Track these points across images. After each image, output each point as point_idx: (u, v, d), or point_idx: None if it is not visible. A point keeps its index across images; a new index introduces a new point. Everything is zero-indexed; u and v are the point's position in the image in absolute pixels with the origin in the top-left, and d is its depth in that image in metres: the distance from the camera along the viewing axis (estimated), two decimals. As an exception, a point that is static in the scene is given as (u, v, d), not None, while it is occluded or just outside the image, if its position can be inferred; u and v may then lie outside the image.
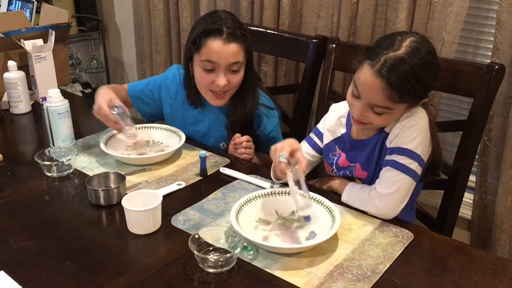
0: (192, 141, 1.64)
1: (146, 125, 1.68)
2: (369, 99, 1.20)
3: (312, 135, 1.46)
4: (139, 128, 1.66)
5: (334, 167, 1.38)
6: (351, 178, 1.37)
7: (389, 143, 1.25)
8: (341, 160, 1.36)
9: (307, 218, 1.22)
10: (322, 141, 1.43)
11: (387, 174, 1.23)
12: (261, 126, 1.63)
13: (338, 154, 1.38)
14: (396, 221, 1.23)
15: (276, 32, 1.99)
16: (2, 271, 1.05)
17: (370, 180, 1.31)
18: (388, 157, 1.24)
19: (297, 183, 1.19)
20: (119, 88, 1.74)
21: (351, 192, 1.29)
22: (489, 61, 1.63)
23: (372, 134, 1.30)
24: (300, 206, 1.21)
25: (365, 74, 1.18)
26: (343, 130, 1.37)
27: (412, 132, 1.21)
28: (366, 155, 1.30)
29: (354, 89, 1.23)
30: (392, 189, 1.21)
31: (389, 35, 1.24)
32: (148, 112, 1.77)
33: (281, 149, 1.21)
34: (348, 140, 1.35)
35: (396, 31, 1.39)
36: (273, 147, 1.25)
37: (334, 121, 1.39)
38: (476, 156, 1.69)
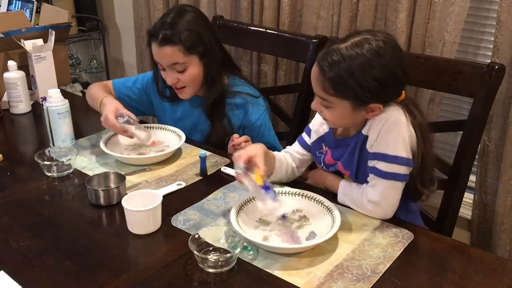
0: (192, 141, 1.64)
1: (146, 125, 1.68)
2: (314, 89, 1.23)
3: (303, 133, 1.45)
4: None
5: (322, 164, 1.38)
6: (340, 174, 1.37)
7: (370, 147, 1.23)
8: (327, 157, 1.36)
9: (284, 217, 1.23)
10: (309, 136, 1.42)
11: (374, 183, 1.22)
12: (248, 115, 1.65)
13: (325, 151, 1.37)
14: (396, 221, 1.23)
15: (276, 32, 1.99)
16: (2, 271, 1.05)
17: (354, 177, 1.30)
18: (371, 163, 1.22)
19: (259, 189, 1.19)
20: (105, 87, 1.75)
21: (345, 194, 1.29)
22: (490, 61, 1.63)
23: (352, 134, 1.30)
24: (270, 210, 1.20)
25: (313, 68, 1.22)
26: (326, 129, 1.37)
27: (389, 136, 1.19)
28: (347, 154, 1.30)
29: None
30: (382, 196, 1.21)
31: (353, 31, 1.25)
32: (137, 107, 1.78)
33: (238, 159, 1.21)
34: (331, 139, 1.35)
35: (366, 29, 1.38)
36: (234, 156, 1.24)
37: (319, 119, 1.39)
38: (476, 156, 1.69)
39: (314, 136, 1.40)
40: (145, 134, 1.55)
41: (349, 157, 1.29)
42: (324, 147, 1.38)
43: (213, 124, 1.66)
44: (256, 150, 1.23)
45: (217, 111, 1.65)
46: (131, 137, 1.55)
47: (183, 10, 1.58)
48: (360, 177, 1.29)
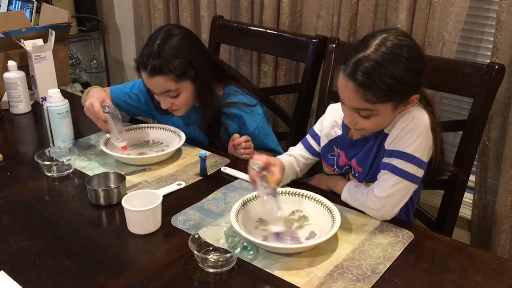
0: (192, 141, 1.64)
1: (146, 125, 1.68)
2: (349, 104, 1.20)
3: (308, 136, 1.45)
4: (139, 128, 1.66)
5: (335, 166, 1.38)
6: (347, 174, 1.37)
7: (388, 145, 1.24)
8: (341, 159, 1.36)
9: (277, 236, 1.17)
10: (318, 143, 1.42)
11: (385, 178, 1.22)
12: (245, 125, 1.63)
13: (337, 153, 1.37)
14: (396, 221, 1.23)
15: (276, 32, 1.99)
16: (2, 271, 1.05)
17: (365, 176, 1.30)
18: (386, 160, 1.23)
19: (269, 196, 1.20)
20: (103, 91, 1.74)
21: (349, 193, 1.29)
22: (489, 61, 1.63)
23: (369, 134, 1.30)
24: (271, 221, 1.20)
25: (340, 80, 1.20)
26: (339, 132, 1.37)
27: (411, 135, 1.20)
28: (363, 152, 1.30)
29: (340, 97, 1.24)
30: (389, 192, 1.20)
31: (364, 36, 1.23)
32: (134, 113, 1.78)
33: (258, 159, 1.21)
34: (345, 141, 1.35)
35: (374, 30, 1.37)
36: (254, 156, 1.24)
37: (330, 123, 1.39)
38: (476, 156, 1.69)
39: (325, 140, 1.39)
40: (122, 135, 1.54)
41: (365, 155, 1.29)
42: (336, 149, 1.38)
43: (210, 136, 1.65)
44: (277, 161, 1.26)
45: (212, 127, 1.63)
46: (108, 131, 1.54)
47: (169, 35, 1.52)
48: (370, 176, 1.28)
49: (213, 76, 1.62)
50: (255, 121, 1.63)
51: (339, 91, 1.22)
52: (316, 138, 1.43)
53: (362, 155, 1.30)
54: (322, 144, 1.40)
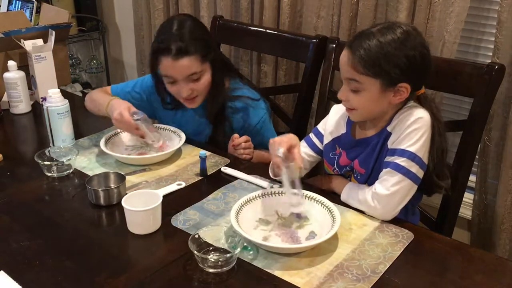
0: (192, 141, 1.64)
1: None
2: (343, 74, 1.25)
3: (311, 135, 1.46)
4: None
5: (335, 165, 1.38)
6: (348, 177, 1.37)
7: (391, 144, 1.24)
8: (342, 159, 1.36)
9: (298, 216, 1.23)
10: (321, 142, 1.43)
11: (387, 176, 1.22)
12: (248, 119, 1.64)
13: (338, 153, 1.38)
14: (396, 221, 1.23)
15: (276, 32, 1.99)
16: (2, 271, 1.05)
17: (367, 177, 1.31)
18: (389, 158, 1.23)
19: (292, 180, 1.20)
20: (105, 91, 1.73)
21: (350, 192, 1.30)
22: (490, 61, 1.62)
23: (374, 133, 1.30)
24: (292, 203, 1.22)
25: (342, 54, 1.25)
26: (343, 130, 1.37)
27: (415, 134, 1.21)
28: (366, 152, 1.30)
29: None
30: (391, 191, 1.21)
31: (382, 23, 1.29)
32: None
33: (279, 144, 1.21)
34: (348, 140, 1.35)
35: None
36: (271, 141, 1.25)
37: (334, 122, 1.40)
38: (476, 156, 1.69)
39: (328, 138, 1.40)
40: (157, 135, 1.55)
41: (367, 156, 1.30)
42: (338, 148, 1.38)
43: (215, 128, 1.66)
44: (295, 140, 1.25)
45: (219, 115, 1.64)
46: (143, 136, 1.54)
47: (182, 20, 1.54)
48: (372, 178, 1.28)
49: (223, 65, 1.64)
50: (258, 115, 1.64)
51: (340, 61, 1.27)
52: (319, 136, 1.43)
53: (365, 156, 1.30)
54: (325, 142, 1.41)
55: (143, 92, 1.72)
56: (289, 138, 1.24)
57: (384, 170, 1.24)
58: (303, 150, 1.44)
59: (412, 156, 1.20)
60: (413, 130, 1.21)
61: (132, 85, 1.74)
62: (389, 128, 1.26)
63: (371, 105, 1.25)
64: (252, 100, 1.64)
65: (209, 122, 1.66)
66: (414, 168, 1.21)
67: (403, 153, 1.21)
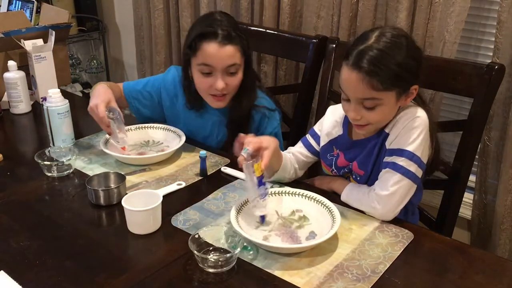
0: (192, 141, 1.64)
1: (146, 125, 1.68)
2: (355, 95, 1.21)
3: (308, 135, 1.45)
4: (139, 128, 1.66)
5: (333, 167, 1.38)
6: (347, 178, 1.37)
7: (389, 144, 1.24)
8: (340, 160, 1.36)
9: (262, 219, 1.21)
10: (317, 143, 1.42)
11: (387, 176, 1.22)
12: (262, 128, 1.62)
13: (336, 154, 1.38)
14: (396, 221, 1.23)
15: (276, 32, 1.99)
16: (2, 271, 1.05)
17: (366, 179, 1.30)
18: (387, 159, 1.23)
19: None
20: (114, 87, 1.70)
21: (351, 192, 1.30)
22: (490, 61, 1.63)
23: (371, 135, 1.30)
24: (255, 205, 1.20)
25: (344, 73, 1.22)
26: (340, 132, 1.37)
27: (413, 133, 1.21)
28: (364, 154, 1.30)
29: (343, 93, 1.25)
30: (391, 190, 1.20)
31: (361, 33, 1.26)
32: (145, 115, 1.72)
33: (248, 144, 1.20)
34: (346, 141, 1.35)
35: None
36: (242, 136, 1.24)
37: (330, 123, 1.39)
38: (476, 156, 1.69)
39: (325, 139, 1.39)
40: (122, 137, 1.53)
41: (366, 158, 1.29)
42: (335, 149, 1.38)
43: (232, 133, 1.58)
44: (269, 143, 1.24)
45: (239, 120, 1.58)
46: (110, 134, 1.51)
47: (224, 13, 1.51)
48: (372, 179, 1.28)
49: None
50: (272, 126, 1.62)
51: (342, 85, 1.23)
52: (316, 137, 1.43)
53: (363, 157, 1.30)
54: (322, 143, 1.40)
55: (154, 91, 1.69)
56: (261, 139, 1.23)
57: (383, 170, 1.24)
58: (299, 150, 1.44)
59: (410, 156, 1.20)
60: (411, 129, 1.21)
61: (144, 84, 1.71)
62: (387, 129, 1.26)
63: (387, 116, 1.24)
64: (268, 110, 1.61)
65: (225, 126, 1.62)
66: (413, 167, 1.21)
67: (402, 152, 1.21)
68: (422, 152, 1.22)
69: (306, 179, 1.50)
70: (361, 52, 1.18)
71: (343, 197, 1.30)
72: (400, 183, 1.21)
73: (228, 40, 1.45)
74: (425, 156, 1.23)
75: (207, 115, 1.64)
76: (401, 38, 1.20)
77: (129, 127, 1.65)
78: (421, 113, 1.23)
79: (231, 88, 1.52)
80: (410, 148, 1.21)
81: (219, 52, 1.45)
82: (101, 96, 1.49)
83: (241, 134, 1.53)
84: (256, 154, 1.21)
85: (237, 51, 1.47)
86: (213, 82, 1.49)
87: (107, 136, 1.56)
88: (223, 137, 1.65)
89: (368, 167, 1.29)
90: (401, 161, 1.21)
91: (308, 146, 1.44)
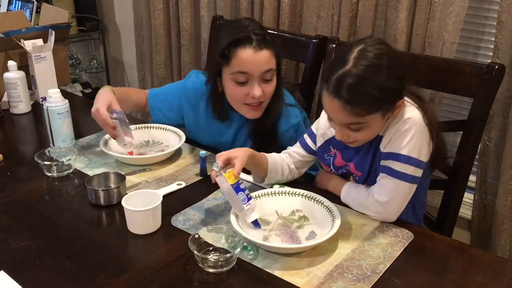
0: (192, 141, 1.64)
1: (146, 125, 1.68)
2: (339, 121, 1.19)
3: (305, 135, 1.44)
4: (139, 128, 1.66)
5: (331, 167, 1.38)
6: (346, 176, 1.37)
7: (383, 147, 1.23)
8: (338, 160, 1.35)
9: (255, 224, 1.20)
10: (314, 142, 1.41)
11: (384, 182, 1.21)
12: (277, 126, 1.54)
13: (333, 153, 1.37)
14: (396, 221, 1.23)
15: (276, 32, 1.98)
16: (2, 271, 1.05)
17: (364, 179, 1.30)
18: (383, 163, 1.22)
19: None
20: (138, 94, 1.67)
21: (349, 195, 1.29)
22: (490, 61, 1.63)
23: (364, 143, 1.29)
24: (241, 214, 1.20)
25: (325, 100, 1.18)
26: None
27: (405, 135, 1.19)
28: (360, 156, 1.29)
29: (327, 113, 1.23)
30: (390, 196, 1.20)
31: (341, 51, 1.20)
32: (166, 123, 1.67)
33: (218, 158, 1.21)
34: (341, 142, 1.34)
35: (350, 43, 1.33)
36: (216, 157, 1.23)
37: (325, 123, 1.38)
38: (476, 156, 1.69)
39: (321, 140, 1.39)
40: (129, 140, 1.50)
41: (362, 159, 1.28)
42: (332, 149, 1.37)
43: (257, 142, 1.53)
44: (237, 152, 1.23)
45: (266, 130, 1.52)
46: (115, 137, 1.48)
47: (246, 17, 1.47)
48: (370, 179, 1.28)
49: None
50: (288, 123, 1.54)
51: (325, 109, 1.21)
52: (313, 136, 1.42)
53: (359, 159, 1.29)
54: (318, 143, 1.40)
55: (175, 100, 1.65)
56: (229, 151, 1.23)
57: (380, 175, 1.23)
58: (296, 150, 1.43)
59: (405, 159, 1.19)
60: (403, 132, 1.19)
61: (166, 93, 1.67)
62: (380, 132, 1.24)
63: (375, 132, 1.22)
64: (286, 106, 1.54)
65: (250, 135, 1.55)
66: (410, 170, 1.19)
67: (397, 157, 1.19)
68: (419, 151, 1.20)
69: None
70: (340, 78, 1.13)
71: (343, 199, 1.30)
72: (399, 187, 1.20)
73: (264, 44, 1.40)
74: (425, 154, 1.21)
75: (231, 124, 1.58)
76: (382, 58, 1.14)
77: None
78: (411, 113, 1.20)
79: (268, 95, 1.46)
80: (404, 151, 1.19)
81: (255, 58, 1.39)
82: (101, 100, 1.47)
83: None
84: (230, 166, 1.21)
85: (272, 56, 1.42)
86: (249, 91, 1.42)
87: (107, 136, 1.56)
88: (247, 145, 1.57)
89: (365, 169, 1.28)
90: (397, 166, 1.19)
91: (305, 146, 1.42)
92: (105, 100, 1.47)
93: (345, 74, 1.13)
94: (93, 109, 1.46)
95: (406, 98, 1.22)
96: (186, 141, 1.58)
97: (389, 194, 1.20)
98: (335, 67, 1.16)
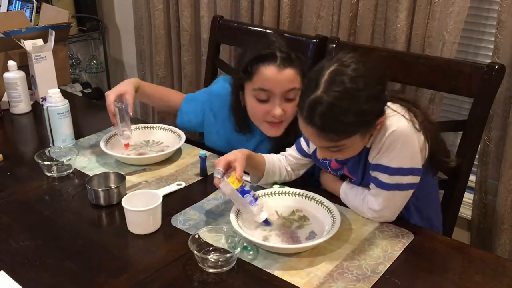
0: (192, 141, 1.64)
1: (146, 125, 1.68)
2: (316, 144, 1.18)
3: (301, 138, 1.41)
4: (139, 128, 1.66)
5: (329, 169, 1.37)
6: (346, 177, 1.36)
7: (372, 159, 1.21)
8: (333, 163, 1.34)
9: (266, 223, 1.20)
10: (309, 146, 1.40)
11: (376, 192, 1.20)
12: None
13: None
14: (396, 221, 1.23)
15: (276, 32, 1.98)
16: (2, 271, 1.05)
17: (360, 183, 1.28)
18: (373, 173, 1.21)
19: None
20: (175, 94, 1.69)
21: (347, 196, 1.28)
22: (490, 61, 1.63)
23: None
24: (249, 215, 1.19)
25: (300, 124, 1.15)
26: None
27: (392, 148, 1.15)
28: (351, 162, 1.27)
29: None
30: (383, 206, 1.20)
31: (315, 69, 1.15)
32: (188, 129, 1.68)
33: (217, 164, 1.20)
34: None
35: (325, 59, 1.21)
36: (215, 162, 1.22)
37: None
38: (476, 156, 1.69)
39: (313, 145, 1.38)
40: (126, 132, 1.52)
41: (354, 165, 1.27)
42: None
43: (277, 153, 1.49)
44: (236, 155, 1.22)
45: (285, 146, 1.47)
46: (114, 124, 1.51)
47: (274, 32, 1.41)
48: (365, 182, 1.27)
49: None
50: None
51: (302, 131, 1.18)
52: (307, 140, 1.40)
53: (351, 165, 1.27)
54: (312, 148, 1.37)
55: (200, 107, 1.64)
56: (227, 155, 1.22)
57: (371, 185, 1.22)
58: (291, 153, 1.41)
59: (394, 172, 1.16)
60: (390, 145, 1.15)
61: (196, 97, 1.66)
62: (367, 144, 1.21)
63: (357, 150, 1.20)
64: None
65: (269, 148, 1.50)
66: (404, 179, 1.17)
67: (385, 169, 1.17)
68: (411, 160, 1.16)
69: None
70: (311, 104, 1.08)
71: (342, 199, 1.30)
72: (390, 197, 1.19)
73: (288, 62, 1.36)
74: (418, 159, 1.17)
75: (252, 136, 1.55)
76: (358, 82, 1.07)
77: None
78: (395, 125, 1.15)
79: (289, 115, 1.41)
80: (393, 164, 1.16)
81: (278, 76, 1.35)
82: (117, 87, 1.52)
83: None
84: (231, 170, 1.20)
85: (297, 75, 1.37)
86: (270, 109, 1.39)
87: (107, 136, 1.56)
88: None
89: (358, 175, 1.26)
90: (387, 178, 1.17)
91: (300, 149, 1.40)
92: (119, 89, 1.51)
93: (316, 100, 1.08)
94: (106, 95, 1.51)
95: (390, 105, 1.18)
96: (186, 141, 1.58)
97: (381, 205, 1.20)
98: (307, 89, 1.11)
